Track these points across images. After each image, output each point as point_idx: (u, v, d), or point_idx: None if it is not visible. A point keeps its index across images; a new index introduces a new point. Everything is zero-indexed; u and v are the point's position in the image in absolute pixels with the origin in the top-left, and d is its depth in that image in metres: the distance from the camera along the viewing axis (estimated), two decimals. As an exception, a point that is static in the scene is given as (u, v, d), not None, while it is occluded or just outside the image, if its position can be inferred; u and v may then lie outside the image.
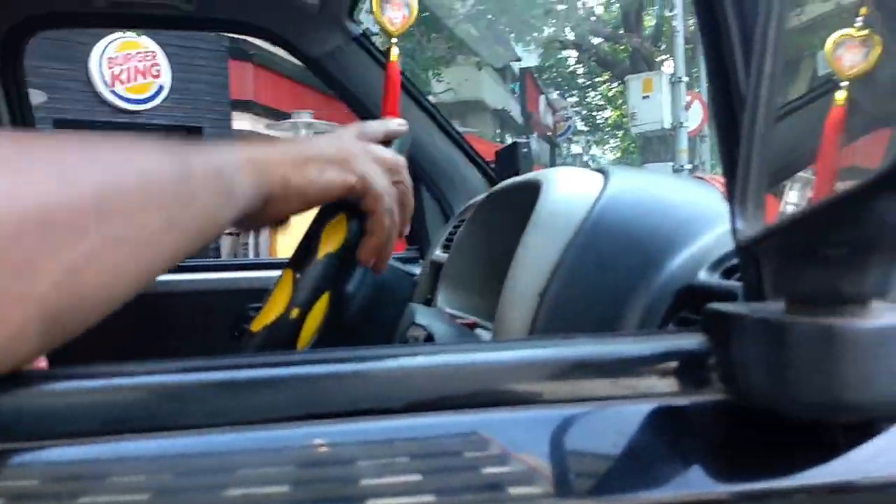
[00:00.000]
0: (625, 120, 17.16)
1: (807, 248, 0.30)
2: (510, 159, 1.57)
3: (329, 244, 0.62)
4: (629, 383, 0.38)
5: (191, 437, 0.34)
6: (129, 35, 9.63)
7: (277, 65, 12.65)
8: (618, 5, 17.40)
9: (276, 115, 11.86)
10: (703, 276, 0.57)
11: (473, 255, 0.98)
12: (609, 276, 0.62)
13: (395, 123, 0.69)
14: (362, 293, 0.69)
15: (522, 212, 0.77)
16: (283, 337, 0.60)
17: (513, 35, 17.56)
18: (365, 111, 1.79)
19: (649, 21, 16.05)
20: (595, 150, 25.17)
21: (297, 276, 0.61)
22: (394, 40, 1.18)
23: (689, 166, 10.26)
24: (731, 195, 0.38)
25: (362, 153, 0.56)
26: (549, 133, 19.95)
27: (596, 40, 17.29)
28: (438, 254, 1.20)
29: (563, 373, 0.39)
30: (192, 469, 0.34)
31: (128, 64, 10.34)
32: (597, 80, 21.24)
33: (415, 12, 1.19)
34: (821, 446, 0.34)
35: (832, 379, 0.31)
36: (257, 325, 0.61)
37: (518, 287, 0.65)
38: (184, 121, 10.90)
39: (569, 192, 0.68)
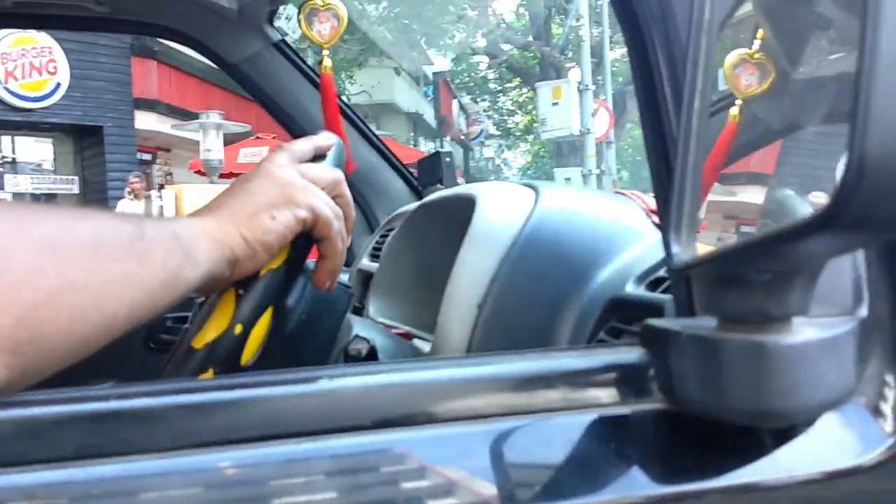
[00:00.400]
0: (535, 125, 17.52)
1: (736, 274, 0.34)
2: (433, 168, 1.59)
3: (271, 260, 0.62)
4: (574, 395, 0.41)
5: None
6: (23, 30, 9.17)
7: (184, 63, 12.29)
8: (527, 14, 17.78)
9: (182, 114, 11.53)
10: (630, 288, 0.61)
11: (404, 265, 1.00)
12: (542, 288, 0.65)
13: (323, 138, 0.69)
14: (302, 306, 0.69)
15: (456, 224, 0.80)
16: (226, 353, 0.60)
17: (424, 40, 17.65)
18: (283, 116, 1.78)
19: (557, 30, 16.45)
20: (507, 154, 25.59)
21: (240, 291, 0.61)
22: (325, 52, 1.19)
23: (596, 171, 10.59)
24: (664, 221, 0.41)
25: (301, 183, 0.57)
26: (463, 137, 20.15)
27: (506, 47, 17.58)
28: (366, 263, 1.22)
29: (511, 386, 0.41)
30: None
31: (22, 60, 9.85)
32: (507, 85, 21.60)
33: (344, 22, 1.19)
34: (749, 448, 0.38)
35: (762, 389, 0.35)
36: (199, 341, 0.60)
37: (457, 299, 0.67)
38: (83, 119, 10.47)
39: (503, 207, 0.71)
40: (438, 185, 1.63)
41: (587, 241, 0.67)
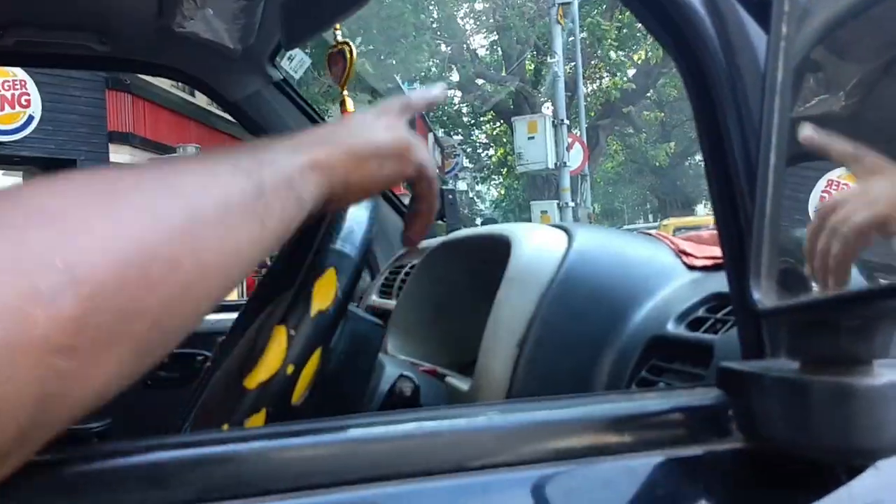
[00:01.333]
0: (509, 158, 17.69)
1: (824, 320, 0.36)
2: (435, 205, 1.61)
3: (320, 300, 0.63)
4: (651, 437, 0.42)
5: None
6: (-4, 62, 9.08)
7: (158, 96, 12.25)
8: (500, 50, 18.06)
9: (157, 147, 11.47)
10: (671, 327, 0.63)
11: (424, 302, 1.02)
12: (581, 327, 0.67)
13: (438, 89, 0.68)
14: (341, 345, 0.70)
15: (483, 263, 0.81)
16: (279, 393, 0.61)
17: (400, 74, 17.82)
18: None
19: (529, 65, 16.72)
20: (480, 187, 25.76)
21: (292, 332, 0.62)
22: (345, 92, 1.22)
23: (572, 203, 10.72)
24: (737, 267, 0.44)
25: (416, 140, 0.56)
26: (437, 170, 20.28)
27: (480, 81, 17.81)
28: (377, 299, 1.23)
29: (587, 429, 0.43)
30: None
31: (-6, 92, 9.77)
32: (481, 119, 21.82)
33: (351, 59, 1.22)
34: (826, 485, 0.40)
35: (850, 428, 0.37)
36: (251, 381, 0.61)
37: (498, 337, 0.69)
38: (57, 153, 10.35)
39: (538, 247, 0.73)
40: (440, 222, 1.65)
41: (623, 281, 0.70)
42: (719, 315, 0.61)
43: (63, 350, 0.30)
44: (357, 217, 0.72)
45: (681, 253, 0.74)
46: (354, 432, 0.40)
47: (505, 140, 19.64)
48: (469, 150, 23.81)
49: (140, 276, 0.33)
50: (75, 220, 0.32)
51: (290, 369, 0.61)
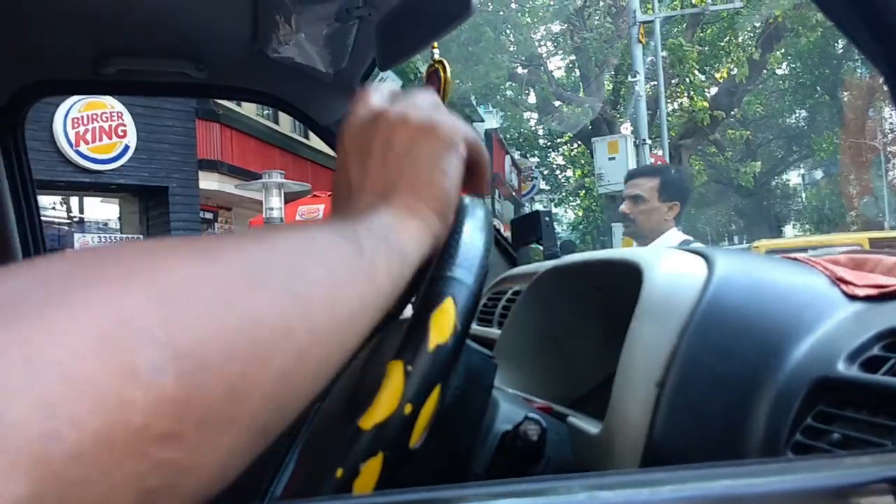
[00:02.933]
0: (587, 179, 17.50)
1: None
2: (530, 227, 1.55)
3: (438, 333, 0.58)
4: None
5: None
6: (94, 96, 9.59)
7: (244, 125, 12.70)
8: (577, 70, 17.95)
9: (244, 174, 11.84)
10: (842, 368, 0.55)
11: (531, 332, 0.95)
12: (730, 365, 0.60)
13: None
14: (455, 381, 0.65)
15: (604, 292, 0.74)
16: (396, 435, 0.56)
17: (476, 98, 17.93)
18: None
19: (608, 85, 16.54)
20: (557, 210, 25.55)
21: (409, 368, 0.57)
22: (440, 109, 1.18)
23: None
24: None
25: (449, 118, 0.51)
26: (514, 193, 20.22)
27: (557, 103, 17.73)
28: (477, 328, 1.17)
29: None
30: None
31: (93, 124, 10.29)
32: (558, 140, 21.70)
33: (445, 80, 1.18)
34: None
35: None
36: (367, 421, 0.56)
37: (633, 376, 0.62)
38: (150, 180, 10.82)
39: (674, 275, 0.66)
40: (536, 245, 1.59)
41: (776, 314, 0.62)
42: (903, 354, 0.53)
43: (166, 438, 0.24)
44: (473, 240, 0.67)
45: (839, 281, 0.65)
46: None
47: (583, 161, 19.45)
48: (546, 171, 23.69)
49: (250, 345, 0.28)
50: (174, 283, 0.28)
51: (407, 409, 0.56)
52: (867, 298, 0.63)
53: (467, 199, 0.70)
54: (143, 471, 0.24)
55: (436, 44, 1.23)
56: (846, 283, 0.65)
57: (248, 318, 0.29)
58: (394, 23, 1.20)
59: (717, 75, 16.05)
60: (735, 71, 14.69)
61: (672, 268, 0.67)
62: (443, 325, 0.58)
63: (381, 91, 0.56)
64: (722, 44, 16.23)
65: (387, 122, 0.50)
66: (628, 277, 0.70)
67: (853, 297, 0.64)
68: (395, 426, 0.56)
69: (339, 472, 0.53)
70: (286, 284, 0.32)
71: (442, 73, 1.24)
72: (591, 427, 0.65)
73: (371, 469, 0.54)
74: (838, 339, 0.58)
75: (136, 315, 0.25)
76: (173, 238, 0.32)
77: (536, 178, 21.90)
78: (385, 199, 0.47)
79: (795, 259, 0.72)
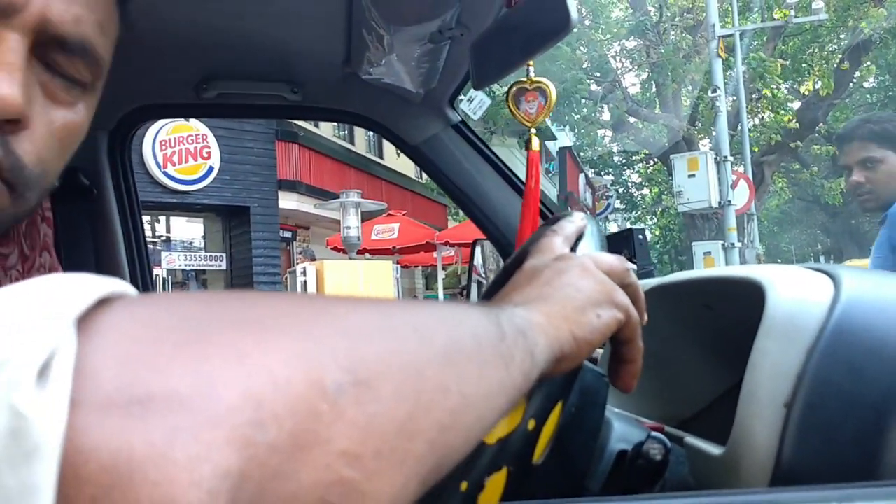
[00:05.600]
0: (664, 197, 17.17)
1: None
2: (623, 245, 1.54)
3: None
4: None
5: None
6: (181, 119, 10.01)
7: (322, 145, 13.01)
8: (654, 86, 17.68)
9: (321, 193, 12.12)
10: None
11: (635, 351, 0.94)
12: (862, 386, 0.57)
13: (578, 218, 0.67)
14: (573, 399, 0.65)
15: (716, 311, 0.73)
16: (520, 450, 0.56)
17: (550, 116, 17.85)
18: (459, 194, 1.79)
19: (685, 101, 16.24)
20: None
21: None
22: (532, 131, 1.18)
23: (738, 244, 10.19)
24: None
25: (613, 284, 0.53)
26: (588, 212, 20.01)
27: (632, 120, 17.49)
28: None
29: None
30: None
31: (179, 146, 10.72)
32: (633, 158, 21.38)
33: (552, 100, 1.19)
34: None
35: None
36: (491, 436, 0.57)
37: (759, 395, 0.60)
38: (232, 200, 11.19)
39: (800, 293, 0.64)
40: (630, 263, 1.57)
41: (909, 333, 0.59)
42: None
43: (348, 456, 0.27)
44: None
45: (975, 299, 0.62)
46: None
47: (660, 179, 19.10)
48: (621, 190, 23.37)
49: (416, 392, 0.31)
50: (356, 326, 0.32)
51: (531, 424, 0.56)
52: None
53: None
54: (326, 482, 0.26)
55: (531, 62, 1.24)
56: (984, 301, 0.62)
57: (414, 368, 0.32)
58: (489, 41, 1.21)
59: (802, 89, 15.57)
60: (819, 84, 14.21)
61: (797, 286, 0.65)
62: None
63: (568, 233, 0.61)
64: (805, 56, 15.76)
65: (567, 260, 0.55)
66: (747, 296, 0.69)
67: None
68: (518, 441, 0.56)
69: (464, 486, 0.53)
70: (443, 347, 0.35)
71: (549, 93, 1.25)
72: (712, 448, 0.64)
73: (495, 483, 0.54)
74: (982, 360, 0.55)
75: (325, 343, 0.29)
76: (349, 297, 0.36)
77: (611, 196, 21.60)
78: (531, 305, 0.48)
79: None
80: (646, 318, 0.59)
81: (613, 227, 25.04)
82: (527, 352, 0.43)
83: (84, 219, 1.62)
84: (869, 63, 16.72)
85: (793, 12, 12.80)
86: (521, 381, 0.42)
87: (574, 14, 0.95)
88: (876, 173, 2.32)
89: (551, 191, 20.86)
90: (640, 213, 23.56)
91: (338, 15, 1.36)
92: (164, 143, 10.64)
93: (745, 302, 0.69)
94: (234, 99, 1.65)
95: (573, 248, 0.64)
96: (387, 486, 0.29)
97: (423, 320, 0.36)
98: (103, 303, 0.27)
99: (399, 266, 10.76)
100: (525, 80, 1.20)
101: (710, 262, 9.85)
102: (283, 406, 0.25)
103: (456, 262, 13.34)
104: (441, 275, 12.32)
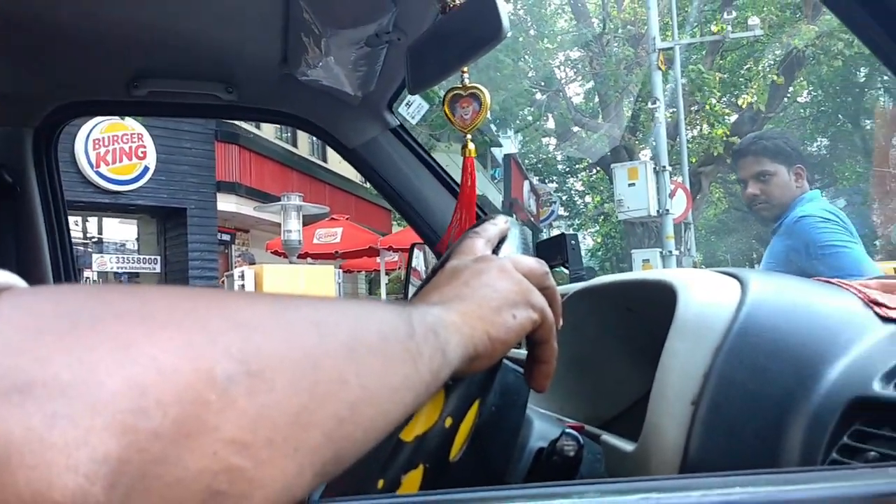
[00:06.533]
0: (606, 205, 17.48)
1: None
2: (556, 250, 1.56)
3: None
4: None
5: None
6: (115, 117, 9.75)
7: (263, 147, 12.83)
8: (597, 96, 18.00)
9: (262, 196, 11.94)
10: (878, 388, 0.55)
11: (561, 353, 0.95)
12: (765, 384, 0.60)
13: (502, 221, 0.68)
14: (492, 398, 0.66)
15: (636, 313, 0.75)
16: (436, 447, 0.57)
17: (495, 123, 18.01)
18: (397, 198, 1.79)
19: (627, 111, 16.57)
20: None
21: (450, 383, 0.58)
22: (468, 137, 1.19)
23: (676, 252, 10.43)
24: None
25: (530, 285, 0.55)
26: (532, 219, 20.20)
27: (575, 129, 17.77)
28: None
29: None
30: None
31: (113, 145, 10.43)
32: (577, 166, 21.71)
33: (486, 106, 1.20)
34: None
35: None
36: (408, 434, 0.57)
37: (669, 394, 0.62)
38: (168, 202, 10.94)
39: (709, 295, 0.66)
40: (561, 269, 1.59)
41: (809, 334, 0.62)
42: (939, 375, 0.53)
43: (236, 444, 0.28)
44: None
45: (872, 303, 0.65)
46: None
47: (602, 188, 19.44)
48: (565, 197, 23.68)
49: (312, 384, 0.32)
50: (250, 317, 0.32)
51: (448, 422, 0.57)
52: (902, 320, 0.63)
53: (509, 219, 0.71)
54: (214, 469, 0.27)
55: (465, 68, 1.25)
56: (880, 305, 0.65)
57: (311, 360, 0.33)
58: (424, 47, 1.21)
59: (740, 101, 16.05)
60: (755, 98, 14.68)
61: (706, 288, 0.67)
62: None
63: (490, 236, 0.62)
64: (742, 71, 16.25)
65: (486, 261, 0.55)
66: (662, 298, 0.71)
67: (887, 319, 0.64)
68: (435, 439, 0.56)
69: (381, 483, 0.54)
70: (345, 341, 0.36)
71: (483, 99, 1.26)
72: (625, 445, 0.66)
73: (412, 480, 0.55)
74: (873, 359, 0.59)
75: (218, 334, 0.30)
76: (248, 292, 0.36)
77: (555, 203, 21.86)
78: (447, 305, 0.49)
79: (829, 282, 0.72)
80: (561, 320, 0.60)
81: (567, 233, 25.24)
82: (437, 349, 0.44)
83: (6, 217, 1.57)
84: (802, 79, 17.34)
85: (729, 27, 13.20)
86: (431, 377, 0.42)
87: (506, 22, 0.96)
88: (769, 186, 2.55)
89: (497, 197, 21.03)
90: (582, 220, 23.92)
91: (274, 15, 1.36)
92: (97, 141, 10.34)
93: (661, 304, 0.71)
94: (167, 97, 1.62)
95: (495, 251, 0.66)
96: (278, 474, 0.29)
97: (326, 316, 0.36)
98: None
99: (341, 271, 10.69)
100: (460, 86, 1.21)
101: (648, 268, 10.07)
102: (168, 394, 0.26)
103: (399, 268, 13.30)
104: (384, 280, 12.28)
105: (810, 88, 20.46)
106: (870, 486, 0.36)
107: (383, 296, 12.06)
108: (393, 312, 0.42)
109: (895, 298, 0.68)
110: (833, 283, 0.71)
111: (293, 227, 8.43)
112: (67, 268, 1.65)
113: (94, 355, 0.26)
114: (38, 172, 1.62)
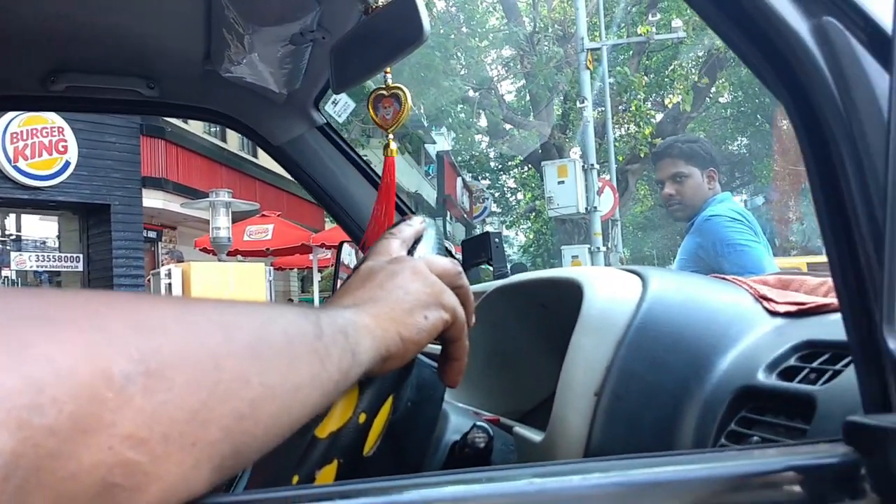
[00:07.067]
0: (538, 202, 17.72)
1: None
2: (480, 248, 1.59)
3: None
4: (775, 498, 0.39)
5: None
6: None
7: (191, 142, 12.52)
8: (528, 95, 18.23)
9: (190, 192, 11.66)
10: (762, 377, 0.59)
11: (478, 349, 0.98)
12: (662, 376, 0.64)
13: (417, 222, 0.70)
14: (407, 393, 0.68)
15: (549, 309, 0.78)
16: (350, 443, 0.58)
17: (427, 120, 18.04)
18: (324, 196, 1.80)
19: (557, 110, 16.84)
20: (508, 232, 25.76)
21: (363, 379, 0.60)
22: (390, 136, 1.21)
23: (603, 248, 10.69)
24: (856, 310, 0.41)
25: (442, 286, 0.56)
26: (465, 215, 20.34)
27: (508, 126, 17.95)
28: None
29: (710, 490, 0.39)
30: None
31: (32, 139, 10.02)
32: (509, 163, 21.94)
33: (406, 106, 1.22)
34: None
35: None
36: (323, 430, 0.59)
37: (574, 386, 0.65)
38: (91, 198, 10.57)
39: (612, 292, 0.70)
40: (486, 266, 1.63)
41: (704, 328, 0.66)
42: (815, 364, 0.57)
43: (132, 440, 0.29)
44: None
45: (761, 298, 0.70)
46: (461, 489, 0.38)
47: (533, 185, 19.71)
48: (497, 194, 23.90)
49: (212, 383, 0.34)
50: (152, 319, 0.34)
51: (361, 418, 0.58)
52: (787, 314, 0.68)
53: (424, 218, 0.73)
54: (109, 463, 0.28)
55: (388, 69, 1.26)
56: (768, 300, 0.70)
57: (213, 360, 0.34)
58: (348, 47, 1.22)
59: (667, 101, 16.51)
60: (682, 98, 15.12)
61: (610, 285, 0.71)
62: None
63: (406, 237, 0.64)
64: (667, 72, 16.72)
65: (400, 263, 0.57)
66: (571, 295, 0.74)
67: (774, 314, 0.69)
68: (349, 435, 0.58)
69: (295, 479, 0.55)
70: (249, 341, 0.37)
71: (403, 99, 1.28)
72: (534, 436, 0.69)
73: (326, 476, 0.56)
74: (760, 351, 0.63)
75: (118, 336, 0.31)
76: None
77: (488, 199, 22.06)
78: (360, 307, 0.51)
79: (724, 278, 0.77)
80: (473, 319, 0.62)
81: (490, 230, 25.43)
82: (347, 350, 0.45)
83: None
84: (723, 80, 17.94)
85: (654, 29, 13.56)
86: (340, 376, 0.44)
87: (427, 25, 0.98)
88: (684, 187, 2.68)
89: (431, 194, 21.07)
90: (515, 216, 24.20)
91: (196, 10, 1.34)
92: (14, 135, 9.91)
93: (571, 301, 0.74)
94: (85, 93, 1.58)
95: (411, 251, 0.68)
96: (174, 468, 0.31)
97: (232, 318, 0.38)
98: None
99: (273, 268, 10.53)
100: (383, 86, 1.23)
101: (578, 265, 10.27)
102: (64, 392, 0.27)
103: (333, 265, 13.18)
104: (317, 277, 12.15)
105: (731, 89, 21.17)
106: (736, 467, 0.40)
107: (316, 293, 11.93)
108: (301, 315, 0.44)
109: (785, 294, 0.73)
110: (728, 280, 0.76)
111: (222, 224, 8.27)
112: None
113: None
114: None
